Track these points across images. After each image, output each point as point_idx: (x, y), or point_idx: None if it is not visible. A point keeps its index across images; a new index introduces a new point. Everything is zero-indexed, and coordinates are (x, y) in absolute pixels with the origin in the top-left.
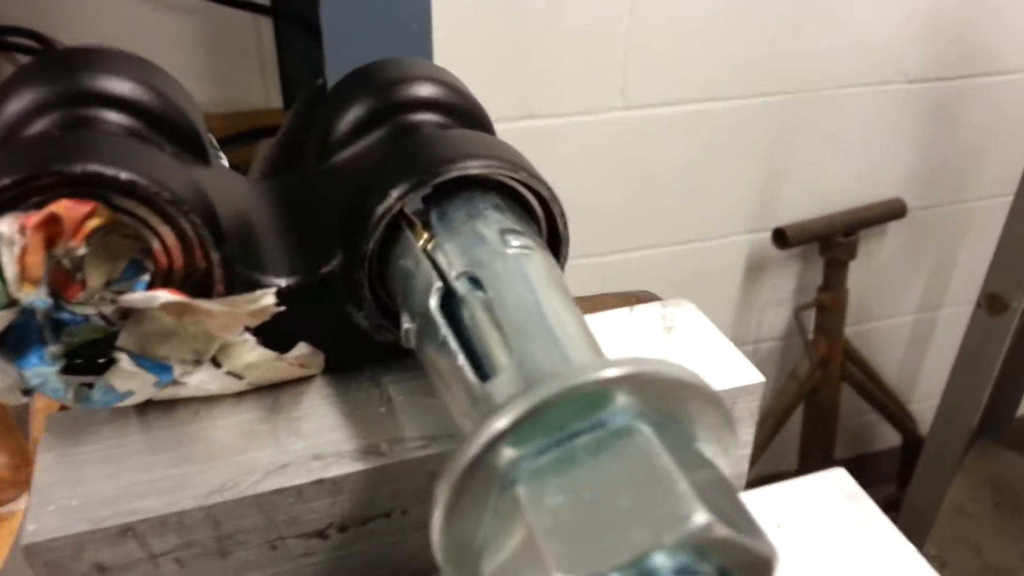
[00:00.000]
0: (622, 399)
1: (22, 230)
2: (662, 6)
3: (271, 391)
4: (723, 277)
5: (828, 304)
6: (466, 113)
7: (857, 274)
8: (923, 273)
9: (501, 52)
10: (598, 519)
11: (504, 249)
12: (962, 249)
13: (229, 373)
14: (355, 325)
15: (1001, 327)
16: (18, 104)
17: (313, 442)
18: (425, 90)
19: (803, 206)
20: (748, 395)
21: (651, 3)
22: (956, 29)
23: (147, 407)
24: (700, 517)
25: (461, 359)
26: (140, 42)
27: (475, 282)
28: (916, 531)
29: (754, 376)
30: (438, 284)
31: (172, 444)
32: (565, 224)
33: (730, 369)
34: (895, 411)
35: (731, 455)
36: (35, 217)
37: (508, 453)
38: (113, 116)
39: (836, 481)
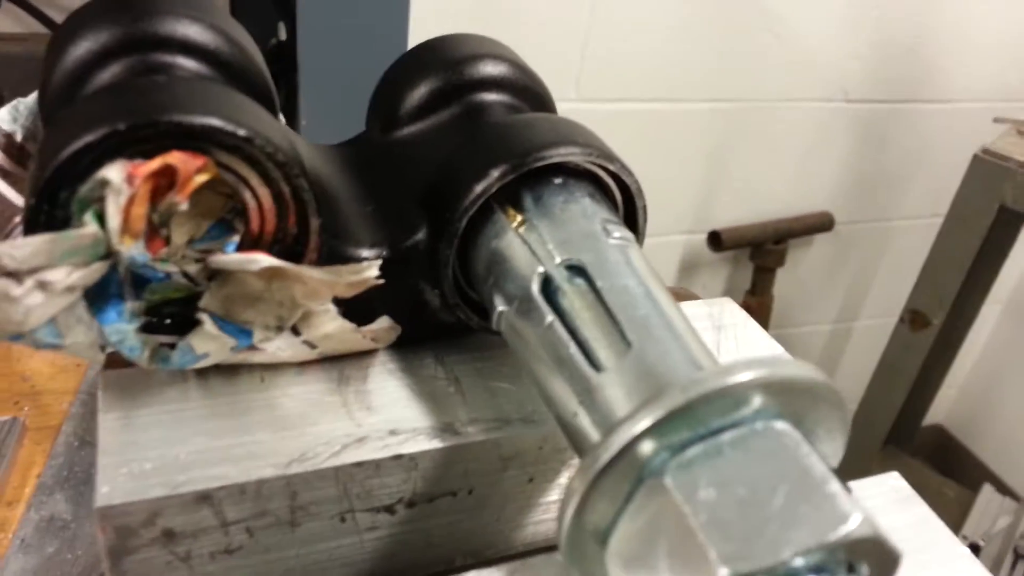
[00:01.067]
0: (759, 399)
1: (130, 179)
2: (623, 4)
3: (336, 362)
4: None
5: (754, 308)
6: (533, 94)
7: (783, 281)
8: (844, 285)
9: (460, 29)
10: (755, 515)
11: (608, 239)
12: (881, 265)
13: (305, 342)
14: (425, 302)
15: (921, 342)
16: (87, 45)
17: (387, 417)
18: (496, 69)
19: (738, 212)
20: None
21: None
22: (898, 55)
23: (207, 371)
24: (857, 518)
25: (573, 347)
26: None
27: (574, 270)
28: None
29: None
30: (540, 269)
31: (239, 411)
32: (645, 218)
33: None
34: None
35: (839, 454)
36: (147, 166)
37: (649, 446)
38: (190, 64)
39: (889, 483)
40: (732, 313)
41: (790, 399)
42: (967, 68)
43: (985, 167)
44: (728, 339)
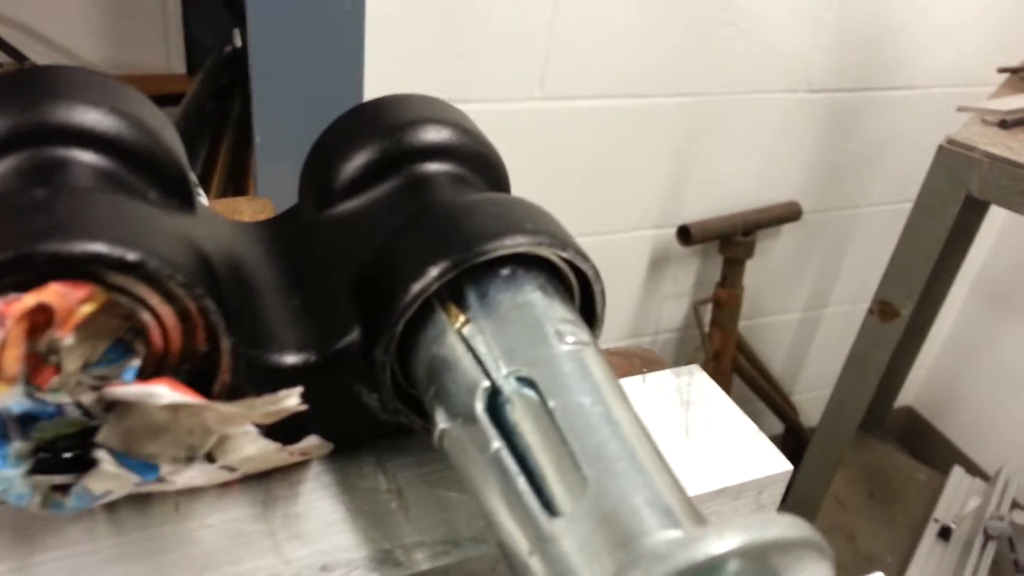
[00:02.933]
0: (736, 565)
1: (1, 320)
2: (586, 1)
3: (261, 480)
4: (628, 270)
5: (725, 300)
6: (482, 161)
7: (752, 272)
8: (812, 273)
9: (425, 31)
10: None
11: (560, 346)
12: (848, 253)
13: (223, 467)
14: (362, 404)
15: (890, 332)
16: None
17: (319, 547)
18: (438, 135)
19: (706, 205)
20: (775, 484)
21: None
22: (860, 44)
23: (117, 501)
24: None
25: (522, 483)
26: None
27: (523, 381)
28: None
29: (782, 464)
30: (485, 384)
31: (153, 549)
32: (603, 304)
33: (756, 455)
34: (779, 401)
35: None
36: (18, 306)
37: None
38: (88, 157)
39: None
40: (700, 385)
41: (770, 557)
42: (929, 55)
43: (950, 158)
44: (697, 417)
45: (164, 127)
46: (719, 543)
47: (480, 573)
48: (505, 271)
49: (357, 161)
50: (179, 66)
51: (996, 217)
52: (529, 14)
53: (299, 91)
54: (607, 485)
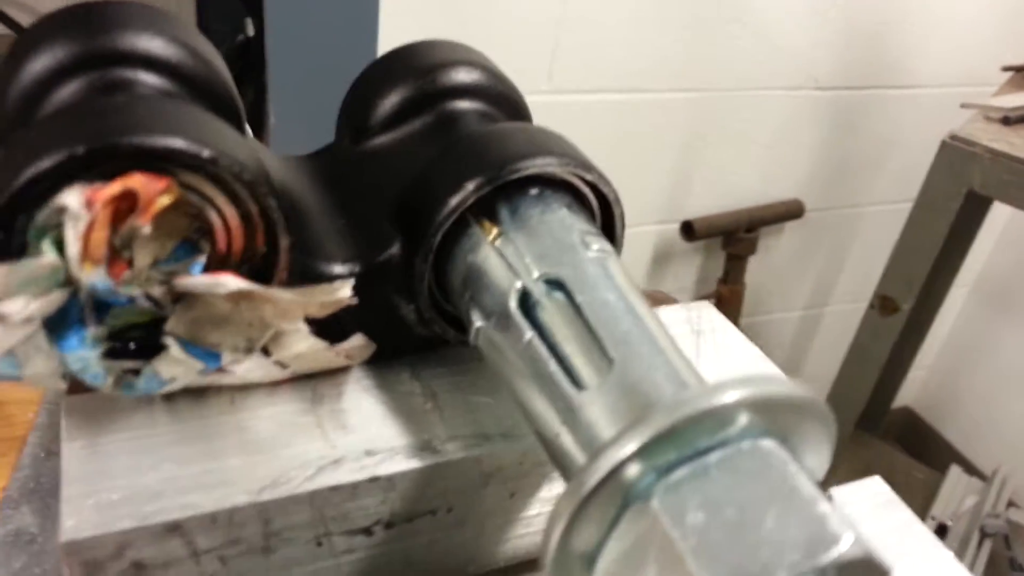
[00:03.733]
0: (745, 418)
1: (89, 204)
2: None
3: (308, 381)
4: (631, 265)
5: (727, 296)
6: (507, 101)
7: (755, 269)
8: (814, 271)
9: (436, 23)
10: (745, 538)
11: (586, 252)
12: (851, 251)
13: (276, 362)
14: (400, 316)
15: (890, 327)
16: (45, 61)
17: (363, 436)
18: (469, 76)
19: (710, 201)
20: None
21: None
22: (866, 41)
23: (174, 394)
24: (849, 539)
25: (553, 365)
26: None
27: (552, 284)
28: None
29: None
30: (518, 284)
31: (210, 435)
32: (623, 226)
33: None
34: None
35: (824, 468)
36: (106, 191)
37: (635, 469)
38: (152, 79)
39: (872, 487)
40: (710, 317)
41: (776, 416)
42: (934, 53)
43: (953, 153)
44: (707, 344)
45: (217, 58)
46: (729, 393)
47: (509, 466)
48: (534, 191)
49: (393, 99)
50: None
51: (997, 218)
52: (538, 8)
53: (314, 76)
54: (631, 364)
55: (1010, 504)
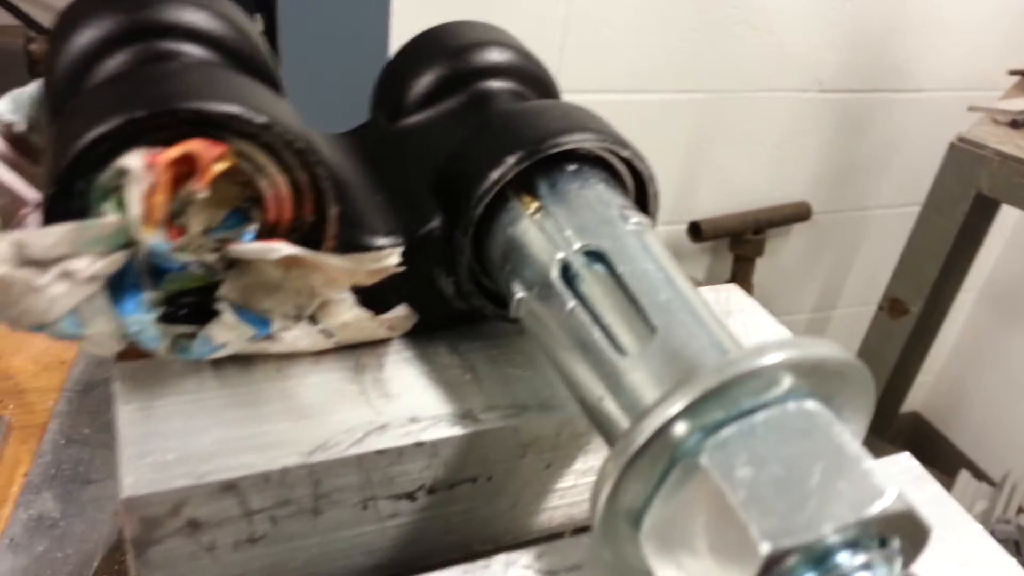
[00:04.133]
0: (789, 380)
1: (151, 167)
2: None
3: (351, 351)
4: None
5: None
6: (539, 81)
7: (762, 271)
8: (822, 274)
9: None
10: (793, 492)
11: (625, 225)
12: (859, 254)
13: (322, 330)
14: (439, 290)
15: (899, 329)
16: (92, 33)
17: (406, 404)
18: (502, 56)
19: (718, 202)
20: None
21: None
22: (871, 45)
23: (222, 362)
24: (893, 493)
25: (597, 332)
26: None
27: (592, 256)
28: None
29: None
30: (559, 255)
31: (259, 400)
32: (657, 205)
33: None
34: None
35: (862, 433)
36: (167, 154)
37: (683, 427)
38: (196, 51)
39: (902, 463)
40: (739, 299)
41: (819, 380)
42: (940, 56)
43: (961, 155)
44: (737, 324)
45: (255, 33)
46: (774, 355)
47: (546, 437)
48: (572, 166)
49: (427, 78)
50: None
51: (1006, 223)
52: (544, 9)
53: (325, 70)
54: (674, 331)
55: (1020, 509)
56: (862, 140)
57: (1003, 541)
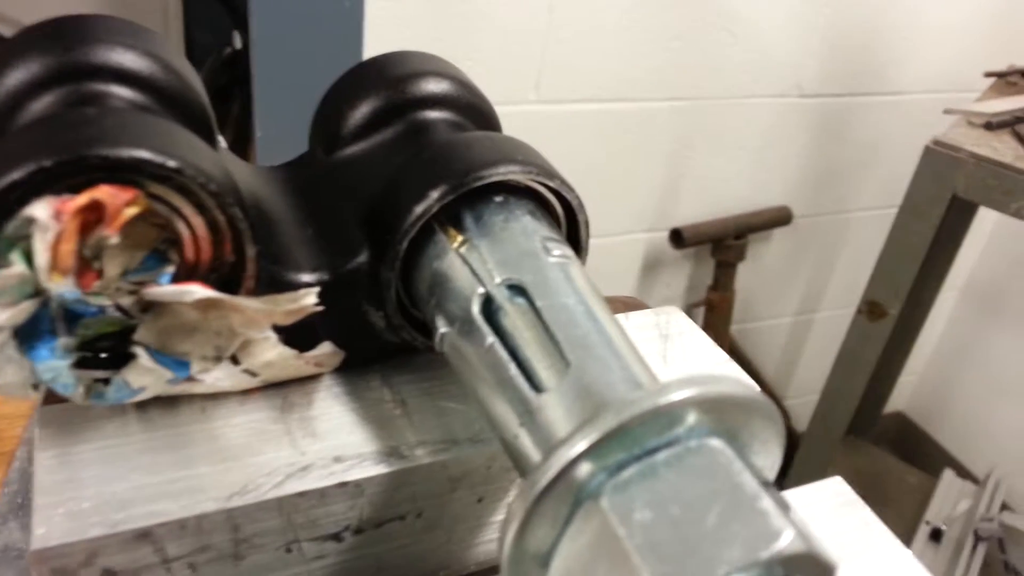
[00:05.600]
0: (694, 416)
1: (58, 215)
2: (581, 4)
3: (279, 389)
4: (621, 273)
5: (717, 303)
6: (477, 111)
7: (744, 275)
8: (803, 277)
9: (422, 33)
10: (689, 535)
11: (548, 258)
12: (840, 257)
13: (245, 370)
14: (369, 323)
15: (878, 332)
16: (19, 75)
17: (331, 443)
18: (438, 86)
19: (699, 209)
20: None
21: (570, 0)
22: (850, 49)
23: (147, 403)
24: (789, 535)
25: (513, 369)
26: None
27: (514, 289)
28: None
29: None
30: (480, 290)
31: (180, 443)
32: (588, 233)
33: None
34: None
35: (775, 466)
36: (74, 202)
37: (586, 468)
38: (124, 92)
39: (833, 487)
40: (678, 322)
41: (724, 415)
42: (918, 60)
43: (937, 158)
44: (674, 348)
45: (190, 72)
46: (676, 393)
47: (476, 470)
48: (498, 198)
49: (364, 109)
50: None
51: (986, 221)
52: (525, 18)
53: (299, 88)
54: (588, 365)
55: (1004, 507)
56: (842, 144)
57: (987, 539)
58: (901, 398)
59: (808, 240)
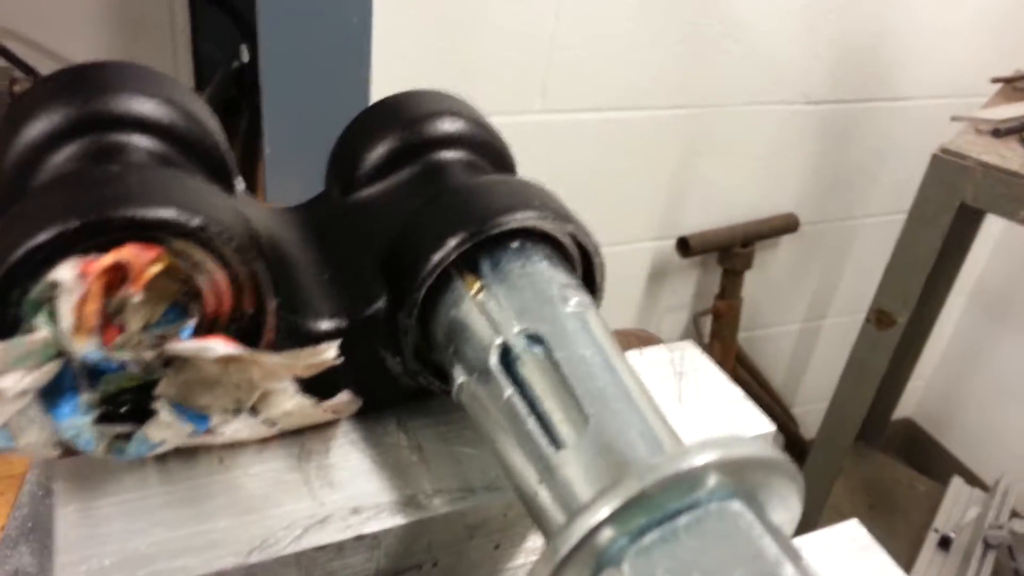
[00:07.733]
0: (715, 479)
1: (82, 277)
2: (586, 13)
3: (296, 436)
4: (628, 281)
5: (724, 311)
6: (492, 150)
7: (751, 283)
8: (811, 284)
9: (429, 44)
10: None
11: (565, 307)
12: (847, 263)
13: (264, 420)
14: (386, 368)
15: (887, 340)
16: (40, 126)
17: (349, 493)
18: (453, 126)
19: (705, 217)
20: None
21: (576, 9)
22: (856, 55)
23: (165, 454)
24: None
25: (532, 423)
26: (44, 12)
27: (533, 339)
28: (800, 533)
29: (765, 425)
30: (498, 340)
31: (200, 496)
32: (603, 276)
33: (742, 418)
34: (780, 414)
35: (795, 521)
36: (99, 263)
37: (608, 534)
38: (145, 142)
39: (850, 532)
40: (693, 358)
41: (743, 475)
42: (924, 66)
43: (944, 166)
44: (689, 386)
45: (208, 117)
46: (698, 457)
47: (493, 518)
48: (515, 244)
49: (380, 150)
50: (187, 81)
51: (993, 227)
52: (531, 28)
53: (308, 103)
54: (606, 421)
55: (1013, 514)
56: (849, 150)
57: (996, 547)
58: (909, 404)
59: (815, 247)
